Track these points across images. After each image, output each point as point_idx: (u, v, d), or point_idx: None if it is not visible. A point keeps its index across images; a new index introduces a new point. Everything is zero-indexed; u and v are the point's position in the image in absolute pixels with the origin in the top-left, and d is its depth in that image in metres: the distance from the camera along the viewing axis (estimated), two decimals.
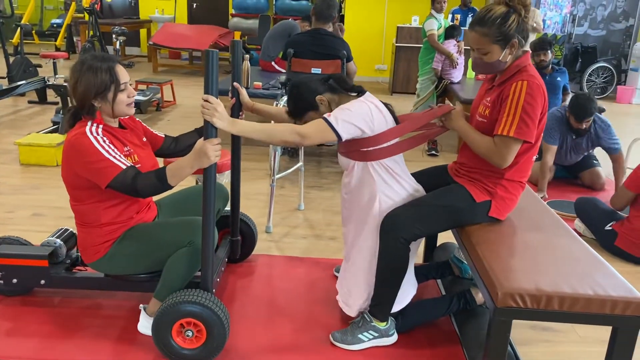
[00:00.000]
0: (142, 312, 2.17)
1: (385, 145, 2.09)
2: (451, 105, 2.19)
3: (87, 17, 6.54)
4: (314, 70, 3.99)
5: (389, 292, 2.15)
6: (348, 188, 2.22)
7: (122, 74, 2.02)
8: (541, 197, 3.58)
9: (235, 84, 2.33)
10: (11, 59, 6.47)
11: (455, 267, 2.52)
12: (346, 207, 2.28)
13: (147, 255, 2.10)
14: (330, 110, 2.09)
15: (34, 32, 10.80)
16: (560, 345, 2.31)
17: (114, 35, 6.55)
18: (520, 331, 2.38)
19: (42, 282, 2.30)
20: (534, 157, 2.14)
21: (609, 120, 4.12)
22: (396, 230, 2.06)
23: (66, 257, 2.38)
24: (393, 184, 2.15)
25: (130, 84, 2.06)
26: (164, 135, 2.35)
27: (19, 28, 7.34)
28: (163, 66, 9.53)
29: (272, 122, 2.53)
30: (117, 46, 6.71)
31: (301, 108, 2.16)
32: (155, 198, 2.35)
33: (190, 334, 1.99)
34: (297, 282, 2.68)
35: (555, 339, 2.35)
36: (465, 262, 2.47)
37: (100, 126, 2.01)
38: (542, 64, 4.78)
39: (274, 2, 10.31)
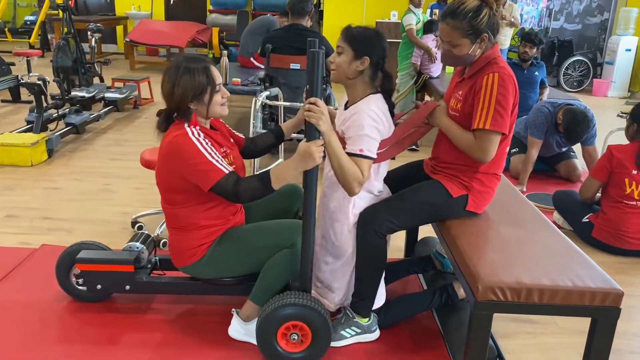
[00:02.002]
0: (235, 315, 2.14)
1: (378, 151, 2.07)
2: (434, 101, 2.17)
3: (61, 14, 6.40)
4: (293, 66, 3.96)
5: (370, 286, 2.14)
6: (331, 181, 2.19)
7: (216, 74, 1.98)
8: (520, 190, 3.61)
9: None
10: None
11: (437, 261, 2.52)
12: (323, 202, 2.25)
13: (246, 257, 2.07)
14: (357, 72, 2.03)
15: (6, 29, 10.57)
16: (541, 337, 2.33)
17: (89, 33, 6.42)
18: (502, 324, 2.39)
19: (127, 287, 2.24)
20: (513, 150, 2.15)
21: (595, 118, 4.15)
22: (373, 224, 2.05)
23: (147, 261, 2.33)
24: (367, 185, 2.12)
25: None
26: (243, 137, 2.31)
27: None
28: (140, 63, 9.40)
29: None
30: (93, 43, 6.58)
31: (362, 47, 1.99)
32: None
33: (295, 337, 1.97)
34: None
35: (536, 331, 2.37)
36: (446, 257, 2.47)
37: (198, 127, 1.97)
38: (524, 55, 4.81)
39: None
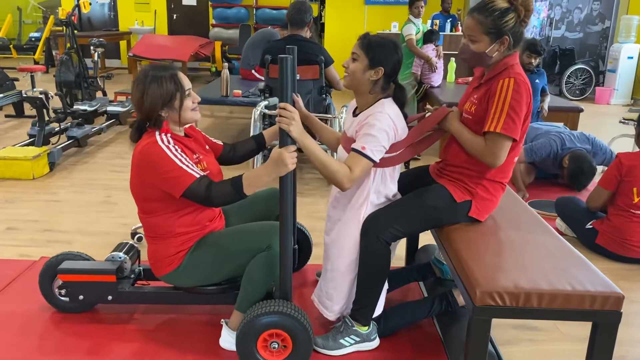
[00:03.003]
0: (224, 326, 2.12)
1: (391, 155, 2.07)
2: (447, 107, 2.16)
3: (64, 29, 6.48)
4: None
5: (371, 294, 2.12)
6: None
7: (185, 80, 1.99)
8: (522, 197, 3.59)
9: (293, 95, 2.29)
10: None
11: (436, 268, 2.50)
12: (334, 205, 2.24)
13: (223, 263, 2.05)
14: (370, 85, 2.04)
15: (11, 46, 10.68)
16: (544, 344, 2.29)
17: (91, 47, 6.48)
18: (503, 331, 2.36)
19: (110, 297, 2.22)
20: (516, 159, 2.13)
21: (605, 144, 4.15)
22: (376, 230, 2.03)
23: (130, 271, 2.32)
24: (384, 191, 2.12)
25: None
26: (222, 143, 2.31)
27: None
28: None
29: (319, 138, 2.44)
30: (96, 58, 6.64)
31: (377, 57, 2.01)
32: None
33: (275, 345, 1.95)
34: None
35: (538, 338, 2.33)
36: (445, 263, 2.44)
37: (169, 135, 1.97)
38: (529, 66, 4.69)
39: (254, 12, 10.32)
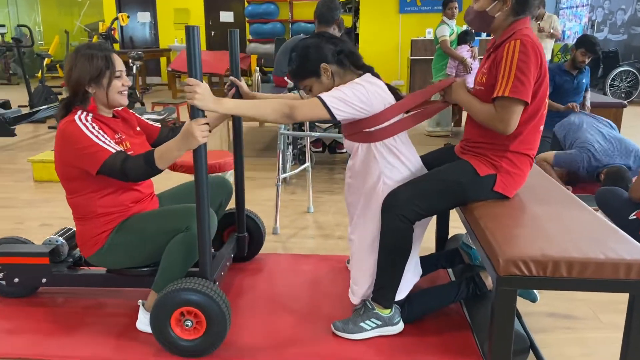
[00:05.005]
0: (141, 307, 2.10)
1: (386, 124, 2.00)
2: (453, 78, 2.11)
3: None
4: None
5: (391, 275, 2.03)
6: (352, 171, 2.13)
7: (118, 62, 2.00)
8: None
9: (231, 78, 2.29)
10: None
11: (465, 254, 2.39)
12: (351, 192, 2.18)
13: (144, 244, 2.04)
14: (332, 83, 2.01)
15: (58, 65, 11.14)
16: (582, 332, 2.14)
17: (130, 60, 6.67)
18: (537, 319, 2.22)
19: (44, 280, 2.24)
20: (541, 127, 2.02)
21: None
22: (396, 208, 1.95)
23: (69, 255, 2.33)
24: (397, 164, 2.05)
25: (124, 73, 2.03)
26: (160, 126, 2.31)
27: (42, 60, 7.57)
28: (183, 92, 9.66)
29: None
30: (134, 71, 6.82)
31: (304, 70, 2.03)
32: (157, 191, 2.31)
33: (189, 323, 1.90)
34: (302, 277, 2.58)
35: (576, 326, 2.18)
36: (474, 247, 2.33)
37: (91, 114, 1.98)
38: (581, 65, 4.46)
39: (289, 27, 10.44)
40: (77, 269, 2.29)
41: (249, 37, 10.63)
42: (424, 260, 2.43)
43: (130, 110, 2.23)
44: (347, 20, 10.29)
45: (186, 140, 1.83)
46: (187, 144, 1.83)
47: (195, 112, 1.82)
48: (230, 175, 3.05)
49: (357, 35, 9.61)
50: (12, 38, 7.09)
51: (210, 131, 1.87)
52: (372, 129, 1.99)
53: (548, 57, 7.38)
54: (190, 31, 1.73)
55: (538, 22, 7.11)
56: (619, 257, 1.54)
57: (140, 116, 2.29)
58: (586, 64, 4.49)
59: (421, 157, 2.26)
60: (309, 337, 2.07)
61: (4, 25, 7.45)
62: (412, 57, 8.05)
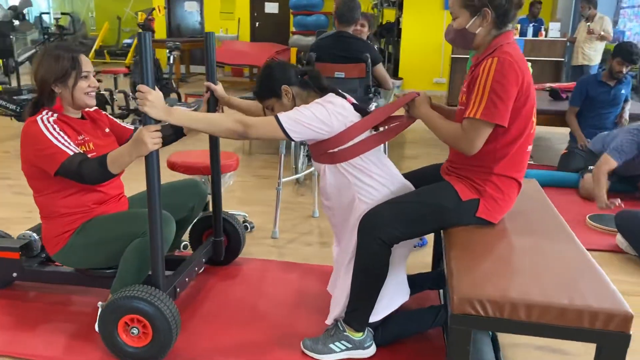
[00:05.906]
0: (100, 310, 2.09)
1: (350, 144, 1.93)
2: (415, 91, 2.00)
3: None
4: (337, 75, 3.86)
5: (364, 298, 1.95)
6: (325, 194, 2.08)
7: (85, 63, 2.02)
8: (614, 204, 3.13)
9: (206, 83, 2.27)
10: None
11: None
12: (330, 213, 2.13)
13: (103, 247, 2.05)
14: (293, 105, 1.98)
15: (106, 52, 11.47)
16: None
17: (167, 50, 6.77)
18: (525, 351, 2.09)
19: (15, 274, 2.28)
20: (529, 148, 1.89)
21: None
22: (375, 230, 1.87)
23: (42, 251, 2.37)
24: (373, 183, 1.97)
25: (94, 75, 2.05)
26: (133, 128, 2.31)
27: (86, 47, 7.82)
28: (225, 82, 9.75)
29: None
30: (171, 60, 6.92)
31: (265, 90, 2.04)
32: (127, 194, 2.31)
33: (135, 331, 1.90)
34: (284, 287, 2.52)
35: None
36: None
37: (55, 114, 2.01)
38: (618, 75, 4.21)
39: (333, 19, 10.33)
40: (47, 265, 2.33)
41: (292, 29, 10.61)
42: (410, 280, 2.34)
43: (103, 112, 2.26)
44: (391, 14, 10.08)
45: (137, 146, 1.82)
46: (137, 150, 1.83)
47: (147, 119, 1.81)
48: (230, 177, 3.03)
49: (400, 30, 9.40)
50: (55, 26, 7.33)
51: (164, 139, 1.87)
52: (336, 149, 1.92)
53: (598, 60, 6.99)
54: (142, 37, 1.72)
55: (588, 24, 6.75)
56: (585, 304, 1.40)
57: (114, 119, 2.29)
58: (625, 74, 4.20)
59: (408, 173, 2.17)
60: (274, 354, 2.02)
61: (48, 13, 7.70)
62: (453, 56, 7.82)
